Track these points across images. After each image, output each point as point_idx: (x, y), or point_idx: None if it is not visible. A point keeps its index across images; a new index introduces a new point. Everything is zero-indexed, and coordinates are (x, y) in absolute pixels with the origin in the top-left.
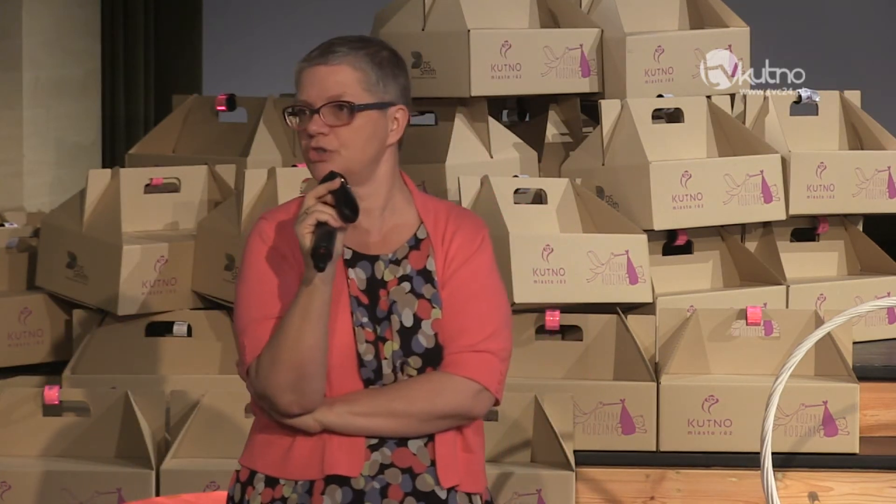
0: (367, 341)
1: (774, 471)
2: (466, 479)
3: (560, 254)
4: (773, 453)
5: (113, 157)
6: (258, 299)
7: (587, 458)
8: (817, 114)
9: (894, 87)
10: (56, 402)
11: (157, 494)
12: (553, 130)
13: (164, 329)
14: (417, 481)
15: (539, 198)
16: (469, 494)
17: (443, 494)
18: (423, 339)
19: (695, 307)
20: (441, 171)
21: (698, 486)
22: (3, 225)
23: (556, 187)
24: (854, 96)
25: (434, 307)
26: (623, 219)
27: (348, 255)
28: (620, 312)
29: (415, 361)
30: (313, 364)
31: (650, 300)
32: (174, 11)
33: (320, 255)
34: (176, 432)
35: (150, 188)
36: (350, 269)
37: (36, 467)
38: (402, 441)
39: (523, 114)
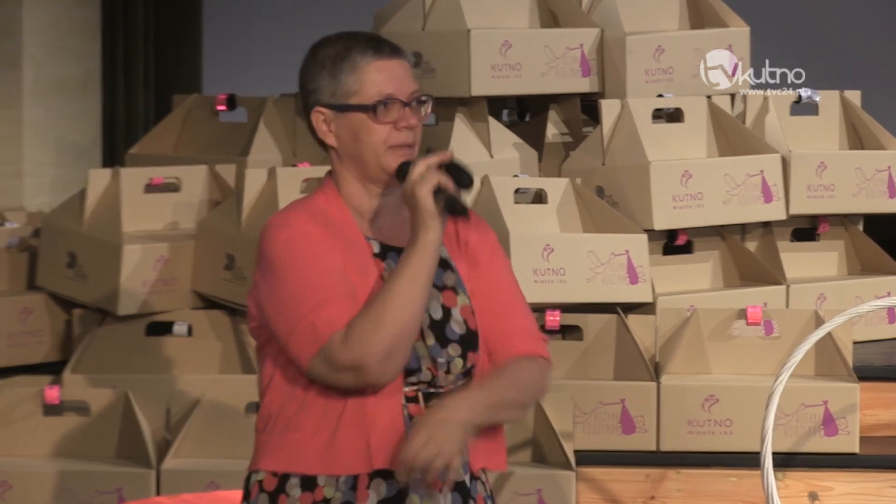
0: None
1: (775, 470)
2: (490, 458)
3: (560, 253)
4: (773, 453)
5: (113, 156)
6: (317, 284)
7: (587, 458)
8: (817, 114)
9: (894, 86)
10: (56, 402)
11: (158, 494)
12: (553, 130)
13: (164, 329)
14: (452, 472)
15: (539, 197)
16: (483, 475)
17: (468, 483)
18: (456, 327)
19: (695, 307)
20: None
21: (698, 486)
22: (3, 224)
23: (556, 187)
24: (854, 96)
25: (458, 294)
26: (623, 219)
27: (377, 248)
28: (621, 312)
29: (454, 349)
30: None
31: (650, 300)
32: (174, 11)
33: (456, 200)
34: (176, 432)
35: (151, 188)
36: (381, 262)
37: (36, 467)
38: None
39: (523, 113)
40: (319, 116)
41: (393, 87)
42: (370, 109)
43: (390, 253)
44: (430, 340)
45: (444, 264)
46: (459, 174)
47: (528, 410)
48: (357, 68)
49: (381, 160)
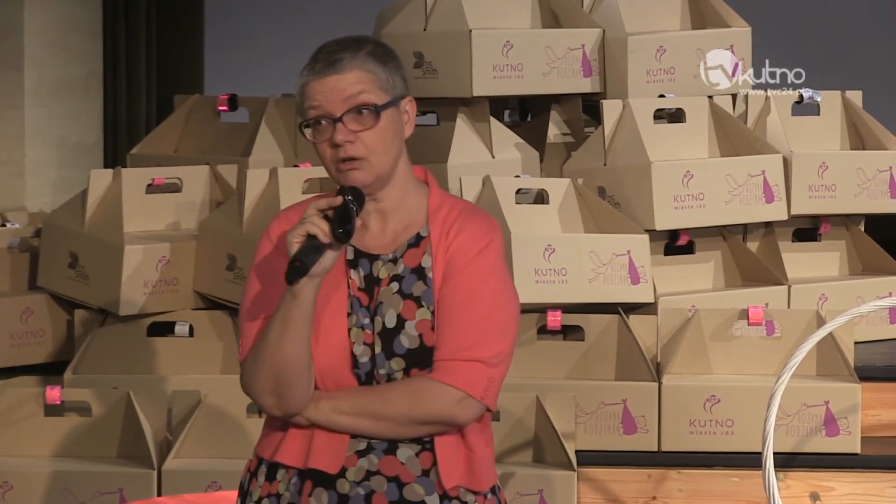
0: (364, 343)
1: (776, 471)
2: (468, 478)
3: (562, 254)
4: (774, 453)
5: (115, 157)
6: (255, 299)
7: (589, 458)
8: (819, 114)
9: (895, 87)
10: (58, 403)
11: (159, 494)
12: (555, 130)
13: (165, 329)
14: (405, 490)
15: (541, 198)
16: (477, 493)
17: (434, 503)
18: (406, 340)
19: (696, 307)
20: (443, 171)
21: (700, 486)
22: (4, 225)
23: (557, 187)
24: (856, 96)
25: (422, 306)
26: (625, 219)
27: (351, 254)
28: (622, 312)
29: (397, 363)
30: (293, 372)
31: (652, 300)
32: (176, 11)
33: (294, 268)
34: (177, 432)
35: (152, 188)
36: (351, 270)
37: (38, 467)
38: (390, 449)
39: (525, 114)
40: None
41: (321, 105)
42: (302, 132)
43: (362, 260)
44: (377, 349)
45: (419, 272)
46: (339, 224)
47: (404, 428)
48: (299, 92)
49: (336, 179)
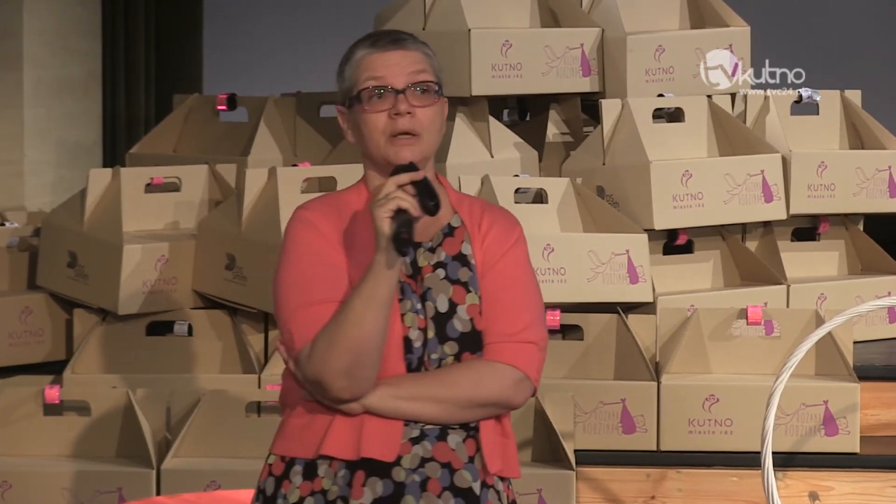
0: (419, 328)
1: (775, 470)
2: (506, 466)
3: (561, 253)
4: (773, 453)
5: (114, 156)
6: (305, 285)
7: (588, 458)
8: (818, 113)
9: (894, 86)
10: (57, 402)
11: (158, 494)
12: (554, 130)
13: (164, 328)
14: (455, 477)
15: (540, 197)
16: (504, 480)
17: (477, 490)
18: (459, 324)
19: (695, 307)
20: (442, 171)
21: (699, 486)
22: (3, 224)
23: (556, 187)
24: (855, 96)
25: (470, 291)
26: (624, 218)
27: None
28: (621, 312)
29: (450, 347)
30: (371, 351)
31: (651, 300)
32: (175, 11)
33: (403, 240)
34: (176, 432)
35: (151, 187)
36: None
37: (37, 467)
38: (442, 435)
39: (524, 113)
40: (340, 115)
41: (382, 76)
42: (358, 99)
43: None
44: (430, 333)
45: (462, 259)
46: (426, 199)
47: (464, 411)
48: (353, 62)
49: (383, 151)
